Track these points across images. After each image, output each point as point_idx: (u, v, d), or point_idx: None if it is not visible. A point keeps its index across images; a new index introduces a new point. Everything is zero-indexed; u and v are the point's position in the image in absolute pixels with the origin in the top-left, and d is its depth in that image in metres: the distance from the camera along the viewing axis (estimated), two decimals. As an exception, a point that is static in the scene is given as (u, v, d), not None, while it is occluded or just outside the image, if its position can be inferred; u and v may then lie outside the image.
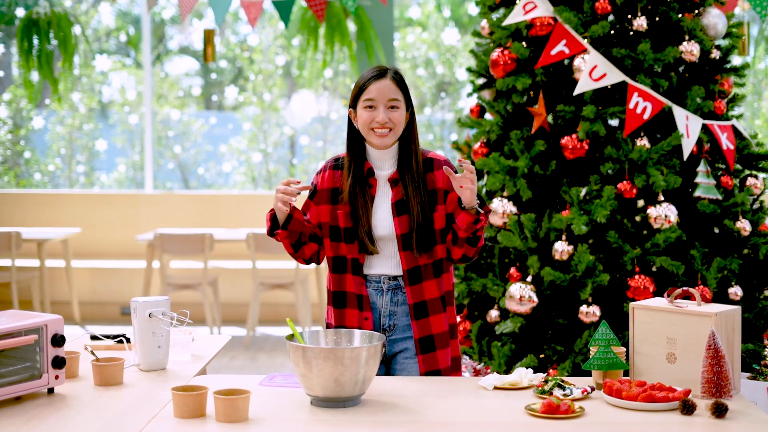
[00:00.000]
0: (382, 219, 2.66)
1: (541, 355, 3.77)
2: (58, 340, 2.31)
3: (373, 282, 2.68)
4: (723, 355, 2.18)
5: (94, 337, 2.88)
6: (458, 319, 4.04)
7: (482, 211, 2.56)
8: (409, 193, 2.64)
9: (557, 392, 2.26)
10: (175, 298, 7.63)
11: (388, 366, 2.73)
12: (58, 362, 2.30)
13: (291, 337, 2.27)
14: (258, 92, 11.34)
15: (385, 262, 2.68)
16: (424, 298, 2.66)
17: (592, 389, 2.31)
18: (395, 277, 2.67)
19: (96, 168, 11.47)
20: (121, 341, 2.83)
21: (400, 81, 2.66)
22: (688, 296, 2.45)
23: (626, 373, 2.47)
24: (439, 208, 2.66)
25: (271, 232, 2.66)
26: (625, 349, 2.42)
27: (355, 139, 2.71)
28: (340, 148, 11.55)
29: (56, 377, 2.31)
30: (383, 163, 2.70)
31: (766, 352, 3.70)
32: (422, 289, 2.65)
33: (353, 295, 2.68)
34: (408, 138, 2.69)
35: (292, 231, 2.65)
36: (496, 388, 2.37)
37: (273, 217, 2.66)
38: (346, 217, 2.67)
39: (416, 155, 2.68)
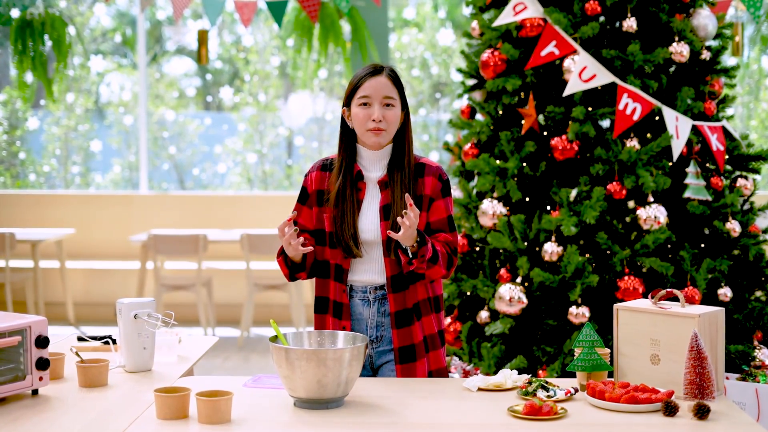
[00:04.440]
0: (369, 223, 2.58)
1: (531, 356, 3.77)
2: (42, 342, 2.30)
3: (360, 292, 2.59)
4: (705, 357, 2.18)
5: (80, 339, 2.88)
6: (448, 320, 4.04)
7: (412, 255, 2.46)
8: (396, 197, 2.55)
9: (541, 393, 2.26)
10: (169, 299, 7.63)
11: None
12: (42, 364, 2.30)
13: (274, 339, 2.28)
14: (254, 93, 11.34)
15: (370, 268, 2.58)
16: (406, 305, 2.57)
17: (576, 390, 2.31)
18: (381, 287, 2.58)
19: (91, 169, 11.46)
20: (107, 342, 2.83)
21: (395, 79, 2.59)
22: (675, 297, 2.45)
23: (611, 375, 2.47)
24: (421, 215, 2.56)
25: (293, 277, 2.61)
26: (609, 351, 2.42)
27: (348, 140, 2.64)
28: (335, 149, 11.54)
29: (40, 379, 2.31)
30: (374, 165, 2.62)
31: (755, 353, 3.70)
32: (405, 296, 2.56)
33: (332, 302, 2.61)
34: (401, 140, 2.61)
35: (311, 267, 2.61)
36: (480, 389, 2.37)
37: (286, 258, 2.58)
38: (331, 221, 2.59)
39: (408, 158, 2.60)
